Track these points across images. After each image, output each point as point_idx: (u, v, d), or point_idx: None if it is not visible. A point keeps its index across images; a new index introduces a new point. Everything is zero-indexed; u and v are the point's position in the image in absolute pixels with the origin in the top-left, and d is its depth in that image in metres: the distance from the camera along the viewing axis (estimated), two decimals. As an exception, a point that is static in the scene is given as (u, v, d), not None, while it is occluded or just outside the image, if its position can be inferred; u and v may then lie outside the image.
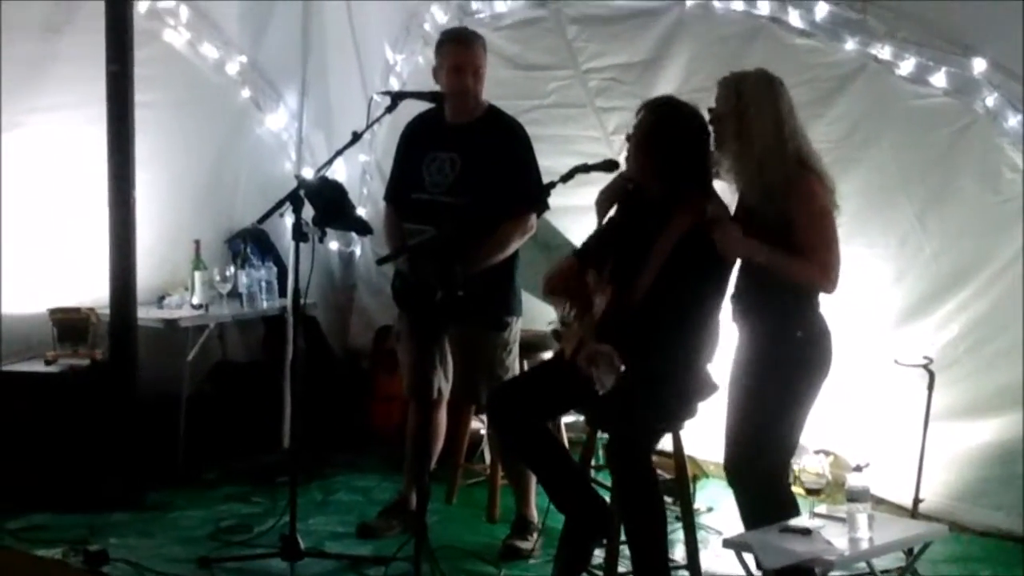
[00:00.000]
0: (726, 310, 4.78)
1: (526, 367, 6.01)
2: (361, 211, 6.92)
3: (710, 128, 4.68)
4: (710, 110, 4.68)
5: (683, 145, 4.73)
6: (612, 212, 4.98)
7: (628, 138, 4.85)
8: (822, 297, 4.62)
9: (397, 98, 5.46)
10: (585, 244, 5.03)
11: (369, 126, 5.45)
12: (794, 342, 4.57)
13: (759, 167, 4.50)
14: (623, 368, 4.53)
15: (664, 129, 4.75)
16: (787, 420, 4.61)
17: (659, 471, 4.89)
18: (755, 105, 4.53)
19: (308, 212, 5.13)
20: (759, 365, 4.61)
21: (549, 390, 4.90)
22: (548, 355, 6.11)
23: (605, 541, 4.78)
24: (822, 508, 4.67)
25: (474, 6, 6.84)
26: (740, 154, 4.55)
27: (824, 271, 4.51)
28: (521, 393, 4.98)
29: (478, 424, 6.26)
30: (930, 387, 5.38)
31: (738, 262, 4.71)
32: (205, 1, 6.91)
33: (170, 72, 6.81)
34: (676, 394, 4.73)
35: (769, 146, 4.50)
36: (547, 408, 5.01)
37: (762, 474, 4.64)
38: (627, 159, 4.89)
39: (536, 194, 5.29)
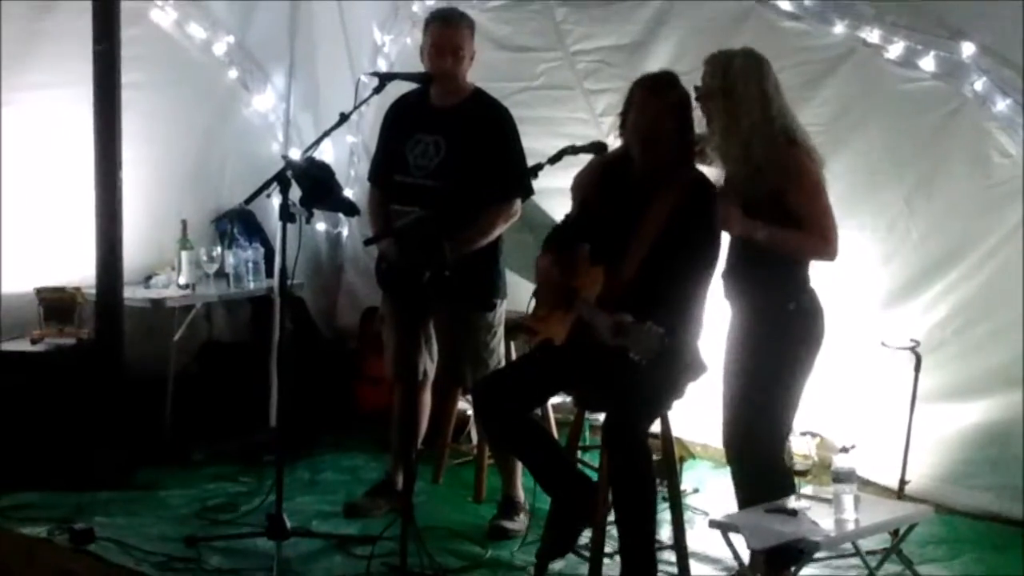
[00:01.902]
0: (716, 289, 4.79)
1: (513, 349, 6.01)
2: (348, 192, 6.91)
3: (696, 105, 4.69)
4: (696, 88, 4.69)
5: (690, 120, 4.78)
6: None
7: (643, 108, 4.76)
8: (813, 273, 4.65)
9: (385, 79, 5.43)
10: (553, 232, 5.00)
11: (356, 107, 5.42)
12: (787, 315, 4.60)
13: (747, 144, 4.53)
14: (663, 331, 4.33)
15: (688, 103, 4.77)
16: (785, 395, 4.65)
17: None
18: (742, 83, 4.56)
19: (295, 193, 5.11)
20: (754, 341, 4.63)
21: (534, 380, 4.89)
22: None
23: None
24: (808, 489, 4.71)
25: (462, -14, 6.84)
26: (728, 131, 4.57)
27: (826, 239, 4.55)
28: (505, 385, 4.96)
29: (465, 405, 6.26)
30: (917, 369, 5.38)
31: (727, 240, 4.73)
32: (192, -19, 6.89)
33: (157, 52, 6.76)
34: (671, 374, 4.72)
35: (756, 124, 4.53)
36: (532, 397, 4.99)
37: (761, 451, 4.66)
38: (637, 129, 4.79)
39: (520, 180, 5.29)
